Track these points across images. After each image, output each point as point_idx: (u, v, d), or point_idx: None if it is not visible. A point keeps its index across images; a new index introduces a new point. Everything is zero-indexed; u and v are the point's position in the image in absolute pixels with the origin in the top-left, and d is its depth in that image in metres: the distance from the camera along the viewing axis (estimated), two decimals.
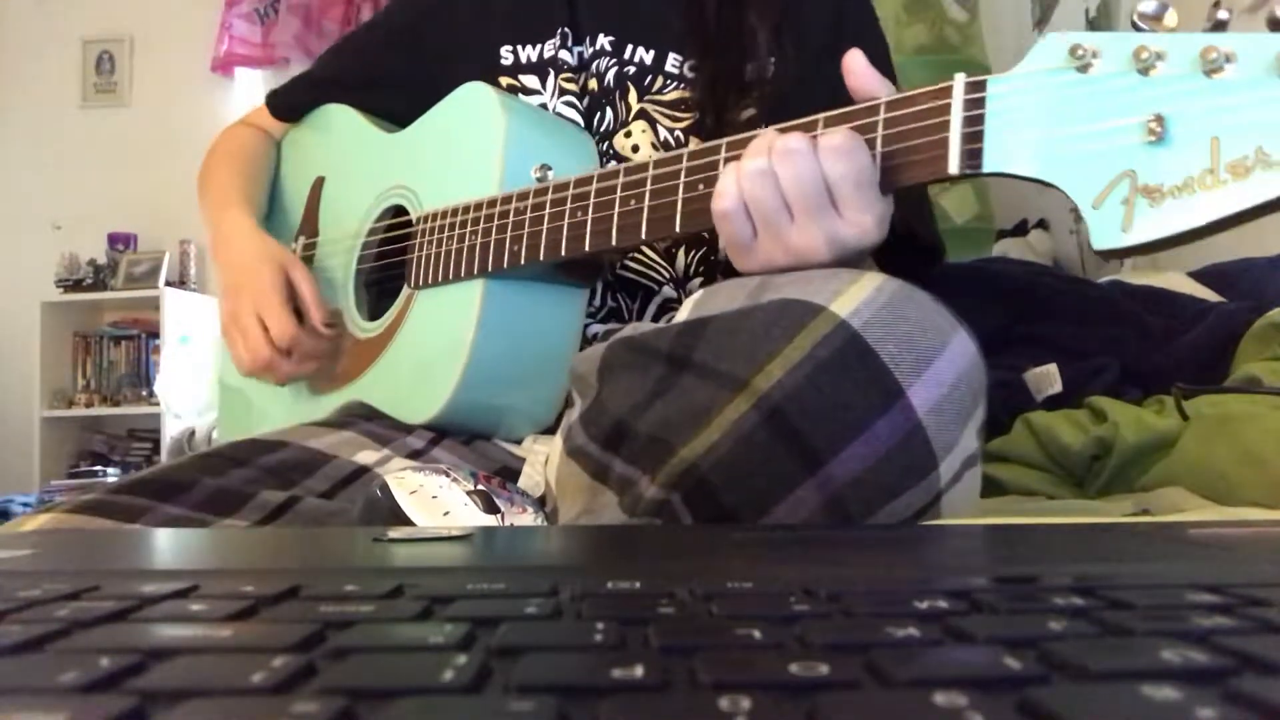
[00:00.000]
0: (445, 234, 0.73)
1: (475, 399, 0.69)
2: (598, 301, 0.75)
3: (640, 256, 0.75)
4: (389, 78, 0.88)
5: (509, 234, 0.67)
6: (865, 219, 0.47)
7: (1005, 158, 0.43)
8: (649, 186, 0.59)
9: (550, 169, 0.67)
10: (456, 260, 0.71)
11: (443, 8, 0.85)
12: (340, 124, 0.92)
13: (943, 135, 0.45)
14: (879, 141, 0.47)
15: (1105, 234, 0.39)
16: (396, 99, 0.85)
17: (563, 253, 0.63)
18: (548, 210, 0.64)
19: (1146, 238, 0.38)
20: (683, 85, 0.75)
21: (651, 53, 0.76)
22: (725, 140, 0.54)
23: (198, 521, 0.54)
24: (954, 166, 0.44)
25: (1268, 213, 0.36)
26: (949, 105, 0.45)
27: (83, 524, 0.51)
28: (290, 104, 0.96)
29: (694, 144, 0.58)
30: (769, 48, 0.72)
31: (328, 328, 0.78)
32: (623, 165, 0.60)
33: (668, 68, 0.76)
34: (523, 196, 0.66)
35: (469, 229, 0.70)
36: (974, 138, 0.44)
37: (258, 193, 0.91)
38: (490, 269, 0.68)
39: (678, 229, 0.56)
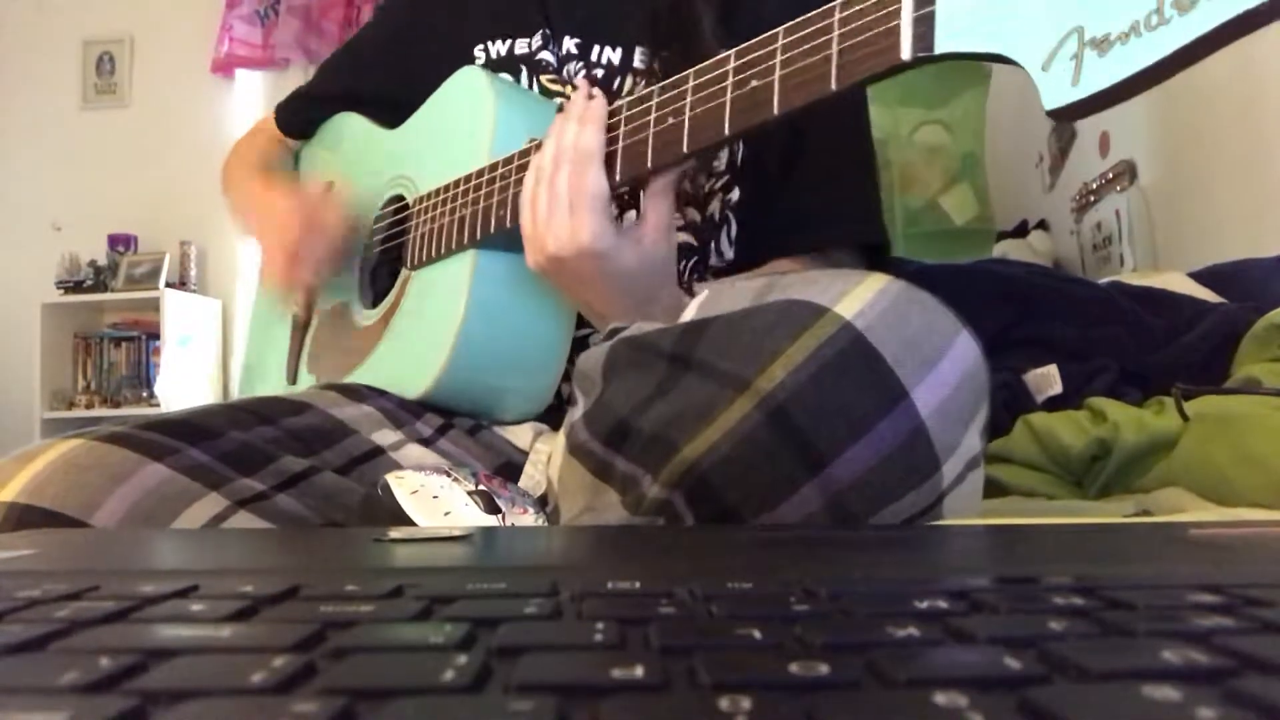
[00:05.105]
0: (436, 211, 0.74)
1: (469, 370, 0.69)
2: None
3: None
4: (371, 93, 0.92)
5: (495, 199, 0.67)
6: (581, 224, 0.58)
7: (955, 38, 0.43)
8: (622, 129, 0.61)
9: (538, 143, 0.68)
10: (447, 234, 0.71)
11: (418, 18, 0.88)
12: (348, 131, 0.95)
13: (894, 24, 0.45)
14: (835, 41, 0.48)
15: (1055, 92, 0.39)
16: (381, 111, 0.88)
17: None
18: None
19: (1096, 87, 0.37)
20: (651, 80, 0.75)
21: (619, 50, 0.76)
22: (691, 71, 0.57)
23: (218, 473, 0.54)
24: (906, 53, 0.45)
25: (1216, 47, 0.35)
26: None
27: (108, 453, 0.51)
28: (290, 121, 1.00)
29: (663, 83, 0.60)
30: (714, 31, 0.72)
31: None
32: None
33: (636, 63, 0.76)
34: (508, 161, 0.67)
35: (458, 202, 0.71)
36: (925, 19, 0.44)
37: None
38: (479, 237, 0.68)
39: (649, 166, 0.59)
